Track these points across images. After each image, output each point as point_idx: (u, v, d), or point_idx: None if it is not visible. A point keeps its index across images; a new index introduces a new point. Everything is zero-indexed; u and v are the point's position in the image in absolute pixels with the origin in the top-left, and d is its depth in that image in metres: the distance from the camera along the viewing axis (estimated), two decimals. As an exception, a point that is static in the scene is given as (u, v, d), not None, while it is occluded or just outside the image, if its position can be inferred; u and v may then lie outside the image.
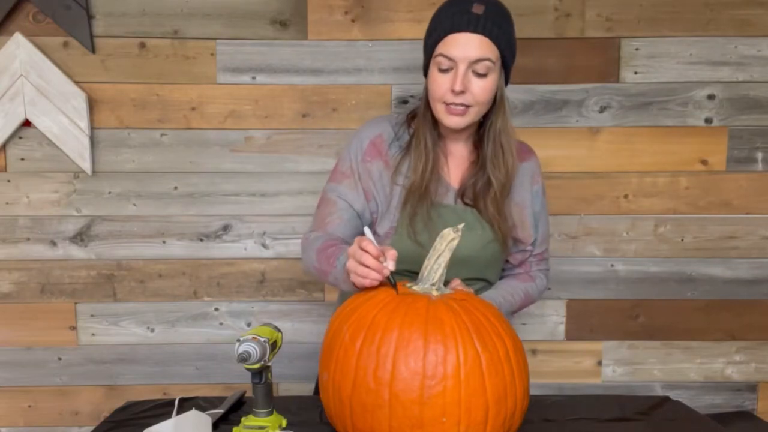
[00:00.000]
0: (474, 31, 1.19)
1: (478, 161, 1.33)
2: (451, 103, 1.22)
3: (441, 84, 1.22)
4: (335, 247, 1.23)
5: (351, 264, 1.09)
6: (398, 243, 1.28)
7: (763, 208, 1.86)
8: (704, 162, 1.84)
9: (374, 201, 1.33)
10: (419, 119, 1.32)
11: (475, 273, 1.33)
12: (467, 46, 1.19)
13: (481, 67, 1.20)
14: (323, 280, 1.29)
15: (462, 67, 1.20)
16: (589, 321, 1.90)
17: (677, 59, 1.80)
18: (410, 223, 1.27)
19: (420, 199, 1.28)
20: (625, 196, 1.85)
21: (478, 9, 1.19)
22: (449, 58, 1.20)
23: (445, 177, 1.33)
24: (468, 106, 1.23)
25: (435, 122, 1.31)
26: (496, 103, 1.28)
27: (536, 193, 1.40)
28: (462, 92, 1.20)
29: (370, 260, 1.06)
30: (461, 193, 1.32)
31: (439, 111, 1.25)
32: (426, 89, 1.29)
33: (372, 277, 1.06)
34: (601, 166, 1.84)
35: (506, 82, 1.31)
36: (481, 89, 1.22)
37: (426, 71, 1.29)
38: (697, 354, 1.92)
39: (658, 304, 1.89)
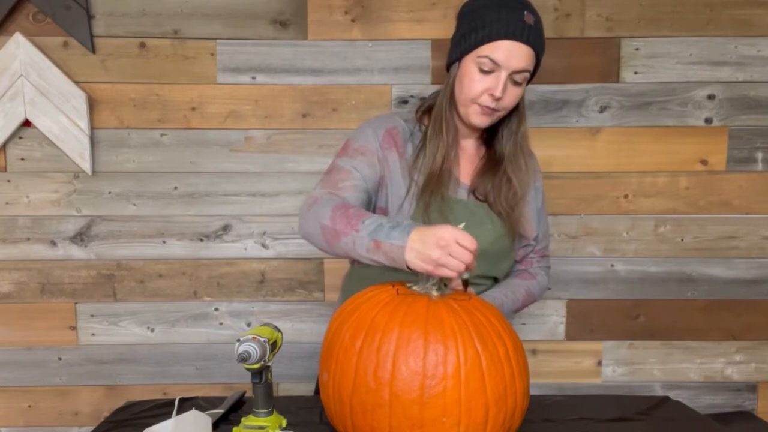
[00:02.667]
0: (526, 42, 1.19)
1: (491, 158, 1.34)
2: (485, 105, 1.23)
3: (480, 84, 1.22)
4: (356, 209, 1.15)
5: (442, 257, 1.02)
6: (459, 194, 1.28)
7: (763, 208, 1.86)
8: (704, 162, 1.84)
9: (385, 192, 1.30)
10: (440, 111, 1.29)
11: (487, 268, 1.33)
12: (516, 56, 1.19)
13: (519, 77, 1.22)
14: (329, 241, 1.15)
15: (504, 74, 1.20)
16: (589, 321, 1.90)
17: (677, 59, 1.81)
18: (425, 211, 1.26)
19: (435, 188, 1.26)
20: (625, 196, 1.85)
21: (529, 19, 1.19)
22: (495, 62, 1.20)
23: (455, 172, 1.33)
24: (496, 110, 1.25)
25: (448, 118, 1.30)
26: (518, 106, 1.30)
27: (538, 190, 1.42)
28: (499, 99, 1.22)
29: (468, 256, 1.02)
30: (473, 189, 1.33)
31: (469, 109, 1.25)
32: (451, 83, 1.27)
33: (459, 271, 1.03)
34: (601, 166, 1.84)
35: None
36: (513, 97, 1.24)
37: (451, 64, 1.28)
38: (697, 354, 1.92)
39: (658, 304, 1.89)
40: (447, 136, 1.29)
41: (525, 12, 1.20)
